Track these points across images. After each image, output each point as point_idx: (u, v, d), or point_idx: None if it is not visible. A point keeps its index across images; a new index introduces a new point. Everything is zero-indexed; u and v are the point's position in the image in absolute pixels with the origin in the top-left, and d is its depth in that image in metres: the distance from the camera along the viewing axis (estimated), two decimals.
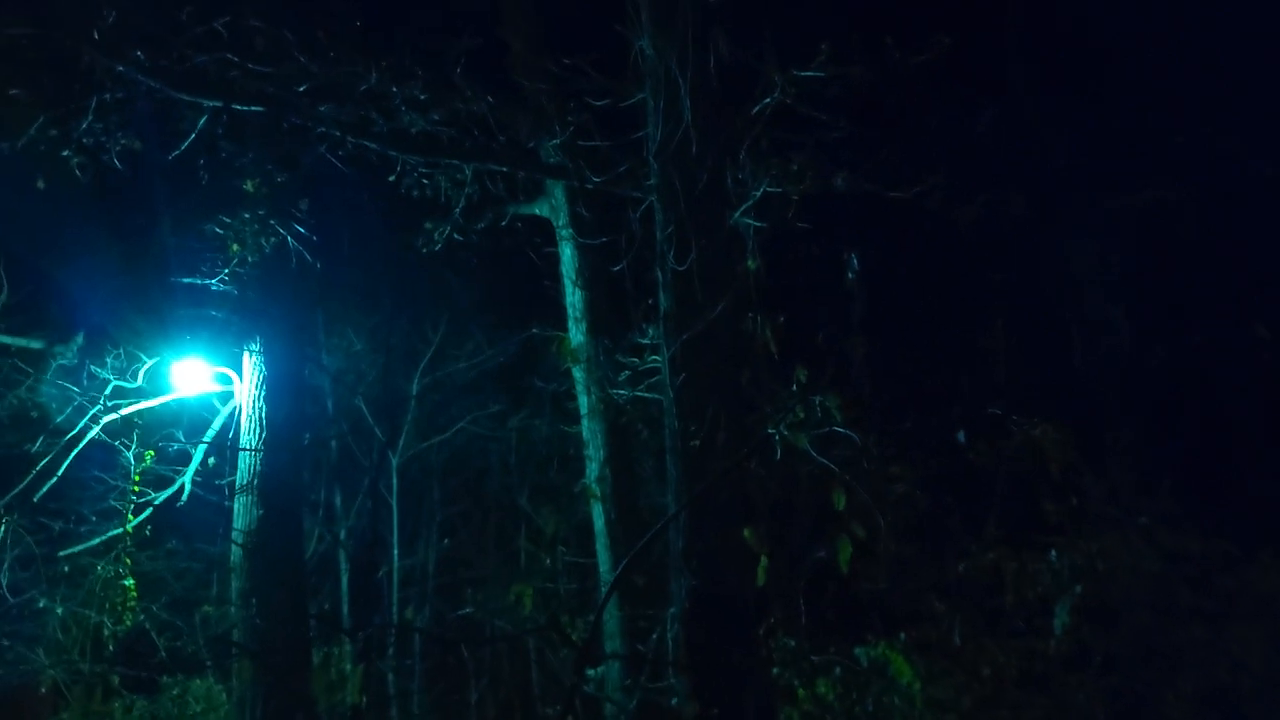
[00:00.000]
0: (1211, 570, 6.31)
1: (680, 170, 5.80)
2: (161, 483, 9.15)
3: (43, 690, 9.56)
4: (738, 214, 6.10)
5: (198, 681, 9.57)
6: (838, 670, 6.04)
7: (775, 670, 6.32)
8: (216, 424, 9.31)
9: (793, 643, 6.39)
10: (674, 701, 4.92)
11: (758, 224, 6.22)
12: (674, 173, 5.81)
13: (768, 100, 6.25)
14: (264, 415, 8.81)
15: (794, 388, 5.39)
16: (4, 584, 9.02)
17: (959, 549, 6.50)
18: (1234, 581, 6.33)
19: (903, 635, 6.53)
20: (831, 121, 6.65)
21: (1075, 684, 6.24)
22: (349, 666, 9.39)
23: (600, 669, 7.14)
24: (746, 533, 5.01)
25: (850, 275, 6.13)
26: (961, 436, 6.38)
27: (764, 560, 4.92)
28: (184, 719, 9.37)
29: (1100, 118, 9.91)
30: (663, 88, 5.85)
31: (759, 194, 6.22)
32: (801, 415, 5.10)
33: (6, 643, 8.99)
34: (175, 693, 9.47)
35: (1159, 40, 9.73)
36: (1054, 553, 6.11)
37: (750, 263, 5.84)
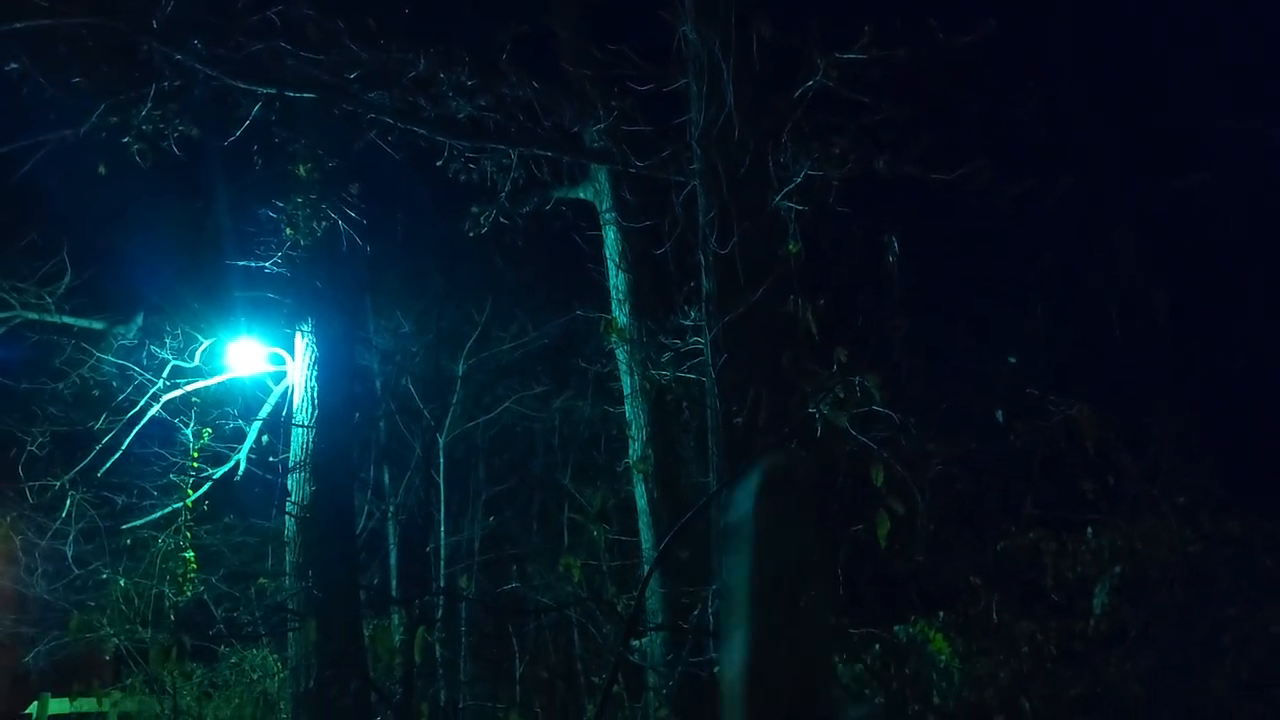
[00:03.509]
0: (1252, 551, 6.31)
1: (723, 154, 5.83)
2: (218, 459, 9.47)
3: (106, 658, 9.99)
4: (779, 197, 6.15)
5: (253, 651, 9.90)
6: (876, 646, 6.13)
7: None
8: (270, 402, 9.61)
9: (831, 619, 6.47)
10: (716, 670, 5.05)
11: (799, 208, 6.26)
12: (717, 157, 5.84)
13: (810, 83, 6.26)
14: (316, 394, 9.04)
15: (834, 368, 5.46)
16: (70, 556, 9.44)
17: (998, 528, 6.55)
18: (1275, 563, 6.32)
19: (941, 614, 6.60)
20: (873, 104, 6.67)
21: (1114, 662, 6.28)
22: (398, 637, 9.66)
23: (644, 641, 7.31)
24: None
25: (891, 258, 6.16)
26: (1000, 416, 6.42)
27: None
28: (240, 685, 9.71)
29: (1145, 99, 9.80)
30: (705, 72, 5.87)
31: (800, 178, 6.26)
32: (842, 395, 5.18)
33: (74, 611, 9.37)
34: (233, 660, 9.83)
35: (1205, 21, 9.60)
36: (1090, 530, 6.15)
37: (792, 246, 5.90)
